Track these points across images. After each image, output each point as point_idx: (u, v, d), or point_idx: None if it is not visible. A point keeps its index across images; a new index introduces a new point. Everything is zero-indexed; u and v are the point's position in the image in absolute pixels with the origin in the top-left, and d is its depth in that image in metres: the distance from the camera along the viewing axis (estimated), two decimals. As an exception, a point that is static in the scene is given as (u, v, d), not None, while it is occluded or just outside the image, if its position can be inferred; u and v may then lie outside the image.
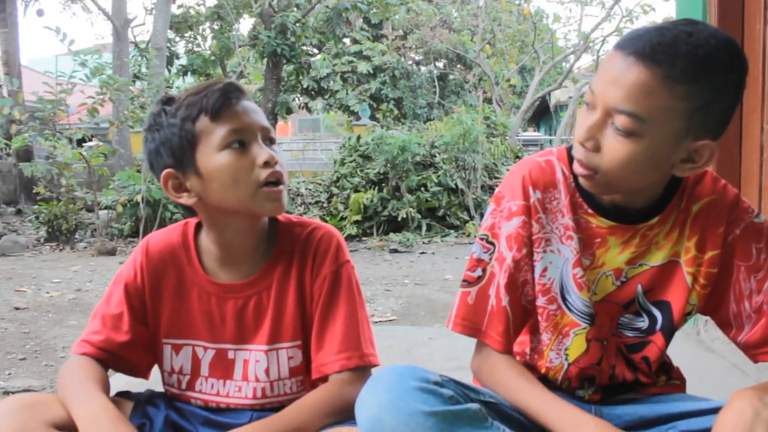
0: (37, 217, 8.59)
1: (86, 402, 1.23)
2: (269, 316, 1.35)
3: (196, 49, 15.21)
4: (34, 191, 9.01)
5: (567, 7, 40.98)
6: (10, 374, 2.98)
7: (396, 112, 21.57)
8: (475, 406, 1.09)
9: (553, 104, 20.81)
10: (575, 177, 1.24)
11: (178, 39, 15.11)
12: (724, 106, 1.09)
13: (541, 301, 1.27)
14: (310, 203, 9.50)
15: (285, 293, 1.35)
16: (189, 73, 15.06)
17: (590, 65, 17.51)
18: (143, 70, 14.06)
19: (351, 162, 9.73)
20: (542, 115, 25.00)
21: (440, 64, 22.82)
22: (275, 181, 1.27)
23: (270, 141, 1.30)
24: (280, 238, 1.38)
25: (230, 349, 1.37)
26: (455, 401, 1.08)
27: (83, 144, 9.07)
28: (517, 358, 1.34)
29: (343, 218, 8.96)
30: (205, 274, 1.37)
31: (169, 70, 14.41)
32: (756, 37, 2.43)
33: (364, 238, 8.68)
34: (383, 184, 9.18)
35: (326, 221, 8.82)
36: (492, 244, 1.29)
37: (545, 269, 1.26)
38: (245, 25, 38.22)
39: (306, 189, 9.79)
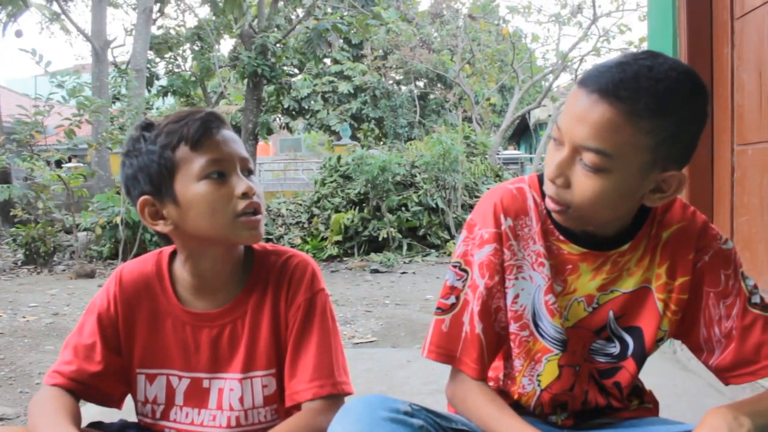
0: (14, 240, 8.50)
1: None
2: (243, 345, 1.35)
3: (176, 70, 15.18)
4: (11, 213, 8.92)
5: (545, 27, 41.48)
6: (-17, 402, 2.94)
7: (377, 131, 21.64)
8: None
9: (533, 122, 20.97)
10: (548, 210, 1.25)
11: (158, 60, 15.07)
12: (689, 136, 1.11)
13: (513, 327, 1.28)
14: (290, 224, 9.49)
15: (259, 321, 1.35)
16: (169, 93, 15.03)
17: (569, 84, 17.70)
18: (123, 91, 14.01)
19: (331, 182, 9.74)
20: (522, 133, 25.18)
21: (421, 84, 22.96)
22: (253, 211, 1.28)
23: (248, 171, 1.31)
24: (255, 267, 1.38)
25: (205, 378, 1.37)
26: (425, 431, 1.08)
27: (61, 165, 9.02)
28: (491, 383, 1.36)
29: (323, 239, 8.95)
30: (179, 304, 1.37)
31: (149, 91, 14.37)
32: (724, 61, 2.48)
33: (345, 259, 8.66)
34: (364, 204, 9.20)
35: (307, 242, 8.81)
36: (465, 271, 1.29)
37: (517, 296, 1.27)
38: (226, 45, 38.30)
39: (287, 209, 9.78)
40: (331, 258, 8.65)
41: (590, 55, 15.25)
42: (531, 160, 17.00)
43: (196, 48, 14.79)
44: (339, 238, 8.86)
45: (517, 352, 1.29)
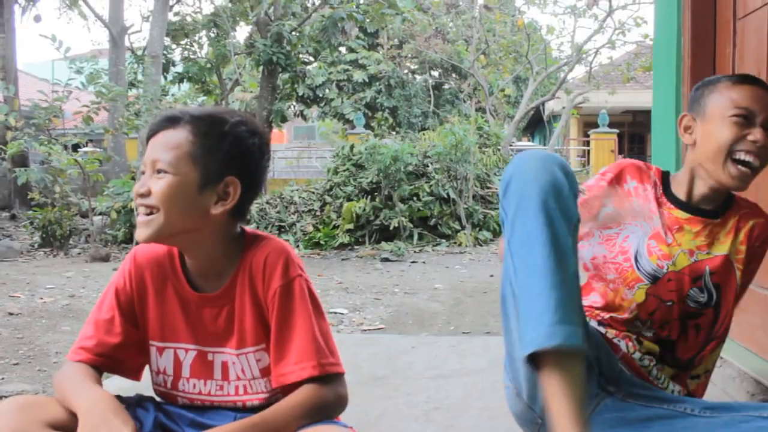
0: (31, 223, 8.65)
1: (85, 394, 1.34)
2: (236, 324, 1.46)
3: (192, 56, 15.25)
4: (28, 197, 9.07)
5: (560, 19, 41.26)
6: (3, 379, 3.05)
7: (391, 120, 21.66)
8: None
9: (547, 114, 20.95)
10: (664, 187, 1.67)
11: (174, 46, 15.16)
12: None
13: (618, 258, 1.62)
14: (303, 211, 9.58)
15: (244, 305, 1.45)
16: (185, 80, 15.13)
17: (583, 76, 17.65)
18: (139, 77, 14.12)
19: (344, 171, 9.82)
20: (537, 124, 25.13)
21: (435, 74, 22.95)
22: (147, 211, 1.38)
23: (158, 171, 1.38)
24: (242, 253, 1.47)
25: (209, 352, 1.47)
26: None
27: (78, 149, 9.14)
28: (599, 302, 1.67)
29: (335, 227, 9.04)
30: (187, 283, 1.47)
31: (165, 77, 14.48)
32: (726, 60, 2.53)
33: (356, 247, 8.76)
34: (376, 194, 9.27)
35: (319, 229, 8.92)
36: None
37: (627, 236, 1.63)
38: (242, 33, 38.36)
39: (299, 197, 9.87)
40: (342, 246, 8.74)
41: (605, 47, 15.22)
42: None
43: (212, 35, 14.85)
44: (351, 226, 8.95)
45: (614, 278, 1.62)
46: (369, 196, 9.26)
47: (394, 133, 17.16)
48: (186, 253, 1.48)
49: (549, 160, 1.33)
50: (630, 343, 1.59)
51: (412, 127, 20.00)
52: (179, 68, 15.32)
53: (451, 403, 2.21)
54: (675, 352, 1.60)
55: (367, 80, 21.13)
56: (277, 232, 9.08)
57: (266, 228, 9.10)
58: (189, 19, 15.10)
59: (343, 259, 7.92)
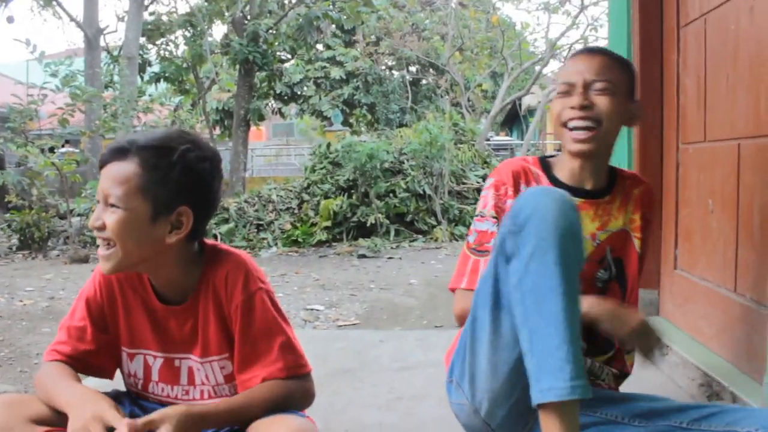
0: (9, 226, 8.66)
1: (70, 390, 1.44)
2: (200, 335, 1.54)
3: (168, 56, 15.23)
4: (5, 199, 9.07)
5: (534, 15, 41.50)
6: (-15, 380, 3.14)
7: (369, 117, 21.75)
8: None
9: (524, 109, 21.12)
10: (547, 173, 1.72)
11: (150, 46, 15.12)
12: None
13: None
14: (281, 209, 9.66)
15: (208, 317, 1.53)
16: (162, 80, 15.11)
17: (558, 71, 17.86)
18: (116, 78, 14.09)
19: (321, 169, 9.91)
20: (514, 119, 25.33)
21: (413, 70, 23.05)
22: (104, 243, 1.44)
23: (111, 205, 1.42)
24: (204, 268, 1.54)
25: (176, 358, 1.57)
26: None
27: (54, 151, 9.16)
28: None
29: (313, 224, 9.14)
30: (153, 295, 1.56)
31: (142, 78, 14.46)
32: (672, 66, 2.68)
33: (334, 244, 8.86)
34: (352, 191, 9.37)
35: (297, 227, 9.00)
36: (496, 218, 1.67)
37: None
38: (218, 31, 38.10)
39: (277, 195, 9.94)
40: (320, 243, 8.84)
41: (578, 43, 15.42)
42: (521, 145, 17.18)
43: (188, 34, 14.84)
44: (328, 223, 9.04)
45: None
46: (346, 194, 9.36)
47: (372, 129, 17.25)
48: (149, 275, 1.54)
49: (566, 203, 1.35)
50: None
51: (390, 123, 20.10)
52: (156, 68, 15.29)
53: (413, 393, 2.34)
54: (598, 337, 1.64)
55: (344, 77, 21.19)
56: (256, 230, 9.17)
57: (245, 226, 9.18)
58: (165, 18, 15.07)
59: (320, 257, 8.03)
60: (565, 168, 1.70)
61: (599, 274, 1.68)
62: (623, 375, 1.72)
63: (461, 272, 1.67)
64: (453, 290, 1.69)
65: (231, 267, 1.52)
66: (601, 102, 1.60)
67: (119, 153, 1.42)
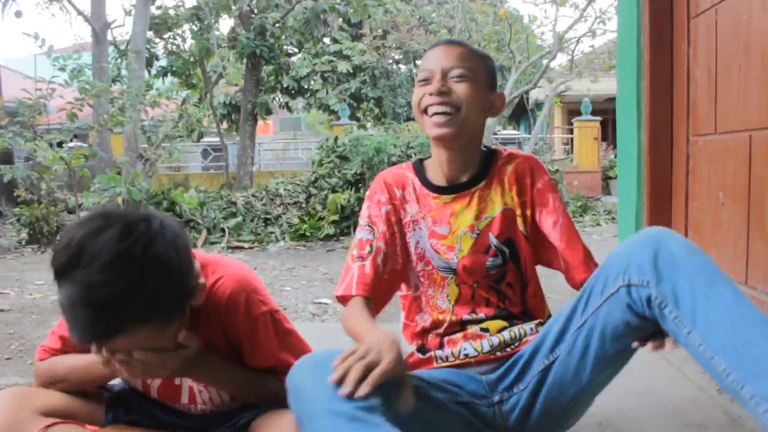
0: (18, 220, 8.70)
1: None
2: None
3: (175, 50, 15.25)
4: (14, 194, 9.11)
5: (542, 8, 41.33)
6: (-4, 373, 3.16)
7: (376, 111, 21.72)
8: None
9: (532, 103, 21.06)
10: (419, 176, 1.74)
11: (157, 40, 15.14)
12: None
13: (419, 266, 1.71)
14: (288, 203, 9.67)
15: (216, 343, 1.52)
16: (169, 74, 15.14)
17: (566, 65, 17.77)
18: (123, 72, 14.12)
19: (328, 163, 9.91)
20: (521, 113, 25.25)
21: (420, 63, 22.99)
22: None
23: None
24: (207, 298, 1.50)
25: (177, 377, 1.55)
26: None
27: (63, 145, 9.19)
28: (417, 330, 1.73)
29: (321, 218, 9.14)
30: None
31: (149, 72, 14.48)
32: (682, 57, 2.66)
33: (341, 238, 8.86)
34: (360, 185, 9.37)
35: (304, 221, 9.01)
36: (372, 227, 1.71)
37: (417, 242, 1.72)
38: (225, 25, 38.12)
39: (285, 189, 9.96)
40: (328, 237, 8.85)
41: (586, 36, 15.34)
42: (529, 139, 17.14)
43: (195, 28, 14.86)
44: (336, 217, 9.05)
45: (426, 283, 1.71)
46: (354, 188, 9.36)
47: (380, 123, 17.23)
48: None
49: (319, 367, 1.27)
50: (476, 342, 1.64)
51: (397, 117, 20.07)
52: (163, 62, 15.32)
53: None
54: (513, 315, 1.68)
55: (351, 71, 21.15)
56: (264, 224, 9.18)
57: (252, 220, 9.19)
58: (172, 12, 15.09)
59: (328, 251, 8.04)
60: (436, 166, 1.74)
61: (489, 262, 1.68)
62: (538, 321, 1.70)
63: (342, 280, 1.68)
64: (339, 298, 1.69)
65: (230, 294, 1.48)
66: (459, 88, 1.64)
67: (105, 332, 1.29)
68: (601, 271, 1.44)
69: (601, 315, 1.42)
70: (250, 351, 1.52)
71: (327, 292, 5.28)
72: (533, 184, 1.71)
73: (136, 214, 1.30)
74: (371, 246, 1.67)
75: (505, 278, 1.69)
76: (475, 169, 1.72)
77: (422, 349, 1.69)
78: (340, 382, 1.23)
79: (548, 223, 1.68)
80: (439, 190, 1.72)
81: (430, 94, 1.64)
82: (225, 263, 1.54)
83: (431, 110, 1.64)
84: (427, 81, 1.66)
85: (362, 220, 1.74)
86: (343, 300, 1.66)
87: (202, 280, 1.42)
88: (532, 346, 1.60)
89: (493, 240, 1.68)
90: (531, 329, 1.66)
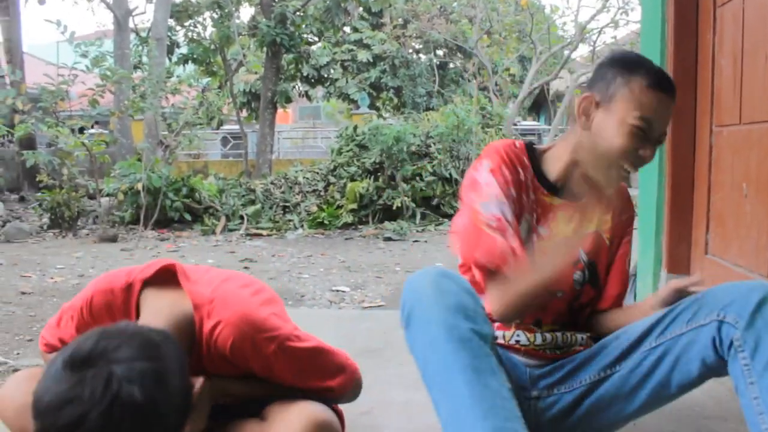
0: (40, 205, 8.80)
1: None
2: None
3: (196, 38, 15.30)
4: (37, 179, 9.20)
5: (565, -2, 40.95)
6: (18, 354, 3.21)
7: (395, 100, 21.67)
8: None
9: (552, 94, 20.90)
10: (533, 164, 1.61)
11: (178, 28, 15.21)
12: None
13: None
14: (307, 191, 9.70)
15: (226, 371, 1.50)
16: (189, 61, 15.20)
17: (587, 56, 17.62)
18: (144, 59, 14.19)
19: (348, 151, 9.92)
20: (542, 104, 25.08)
21: (440, 53, 22.89)
22: None
23: None
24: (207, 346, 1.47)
25: None
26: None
27: (84, 131, 9.26)
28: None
29: (339, 207, 9.17)
30: None
31: (170, 59, 14.55)
32: (707, 46, 2.62)
33: (359, 227, 8.89)
34: (379, 174, 9.38)
35: (323, 209, 9.03)
36: (504, 203, 1.53)
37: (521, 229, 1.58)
38: (245, 13, 38.20)
39: (304, 178, 9.98)
40: (346, 226, 8.87)
41: (609, 27, 15.20)
42: (549, 131, 17.02)
43: (216, 16, 14.91)
44: (354, 206, 9.07)
45: None
46: (372, 177, 9.37)
47: (399, 113, 17.19)
48: None
49: (446, 280, 1.31)
50: (530, 334, 1.63)
51: (416, 107, 20.00)
52: (184, 50, 15.39)
53: (440, 374, 2.34)
54: (565, 326, 1.66)
55: (371, 60, 21.10)
56: (282, 212, 9.22)
57: (271, 208, 9.23)
58: (193, 0, 15.14)
59: (346, 239, 8.05)
60: (558, 166, 1.62)
61: (576, 276, 1.64)
62: (596, 337, 1.69)
63: (488, 244, 1.49)
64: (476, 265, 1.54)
65: (234, 339, 1.44)
66: (654, 151, 1.54)
67: None
68: (693, 302, 1.42)
69: (681, 343, 1.42)
70: (267, 377, 1.53)
71: (344, 280, 5.30)
72: (623, 213, 1.71)
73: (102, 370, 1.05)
74: (508, 221, 1.51)
75: (580, 298, 1.66)
76: (583, 183, 1.63)
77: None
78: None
79: (619, 253, 1.71)
80: (551, 188, 1.62)
81: (643, 157, 1.51)
82: (220, 300, 1.46)
83: (626, 166, 1.52)
84: (644, 134, 1.49)
85: (491, 196, 1.52)
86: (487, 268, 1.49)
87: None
88: (585, 355, 1.60)
89: (583, 256, 1.65)
90: (582, 339, 1.67)
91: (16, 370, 2.82)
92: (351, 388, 1.63)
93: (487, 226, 1.49)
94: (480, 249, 1.49)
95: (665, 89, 1.50)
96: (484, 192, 1.53)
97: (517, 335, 1.62)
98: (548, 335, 1.63)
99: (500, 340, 1.63)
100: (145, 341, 1.10)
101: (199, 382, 1.24)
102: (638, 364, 1.48)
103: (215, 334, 1.42)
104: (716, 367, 1.37)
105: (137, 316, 1.49)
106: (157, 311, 1.43)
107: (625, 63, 1.54)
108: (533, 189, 1.60)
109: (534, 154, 1.63)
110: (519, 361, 1.62)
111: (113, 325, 1.14)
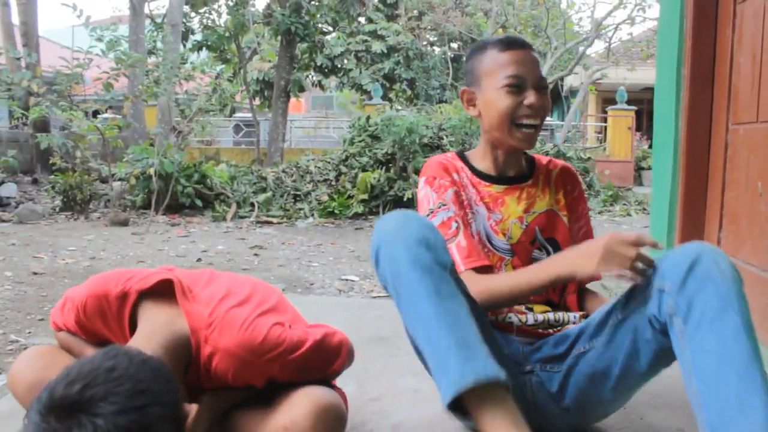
0: (53, 187, 8.84)
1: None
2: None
3: (211, 25, 15.31)
4: (50, 162, 9.24)
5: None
6: (30, 333, 3.23)
7: (409, 92, 21.65)
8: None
9: (566, 90, 20.83)
10: (468, 165, 1.79)
11: (193, 14, 15.21)
12: None
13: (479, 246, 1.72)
14: (318, 181, 9.69)
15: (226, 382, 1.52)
16: (204, 48, 15.21)
17: (602, 52, 17.54)
18: (158, 45, 14.21)
19: (360, 142, 9.90)
20: (555, 99, 25.01)
21: (455, 46, 22.84)
22: None
23: None
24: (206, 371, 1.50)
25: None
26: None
27: (98, 115, 9.30)
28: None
29: (350, 197, 9.16)
30: None
31: (184, 46, 14.56)
32: (725, 43, 2.61)
33: (370, 217, 8.88)
34: (390, 165, 9.36)
35: (334, 199, 9.03)
36: (446, 206, 1.70)
37: (475, 223, 1.73)
38: (261, 1, 38.12)
39: (315, 167, 9.99)
40: (356, 216, 8.87)
41: (625, 23, 15.12)
42: (562, 126, 16.96)
43: (231, 3, 14.90)
44: (365, 196, 9.06)
45: None
46: (384, 167, 9.35)
47: (412, 104, 17.16)
48: None
49: (408, 218, 1.41)
50: (522, 315, 1.69)
51: (429, 100, 19.98)
52: (198, 36, 15.39)
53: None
54: (554, 305, 1.74)
55: (385, 51, 21.08)
56: (293, 200, 9.23)
57: (282, 196, 9.25)
58: (208, -14, 15.13)
59: (356, 229, 8.05)
60: (486, 159, 1.79)
61: (534, 254, 1.74)
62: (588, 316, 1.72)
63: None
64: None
65: (235, 370, 1.46)
66: (545, 101, 1.68)
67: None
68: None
69: (637, 316, 1.44)
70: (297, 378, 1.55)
71: (354, 269, 5.30)
72: (572, 191, 1.84)
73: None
74: (456, 222, 1.67)
75: None
76: (521, 167, 1.80)
77: None
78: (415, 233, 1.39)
79: (575, 228, 1.82)
80: (490, 179, 1.77)
81: (528, 106, 1.66)
82: (218, 325, 1.45)
83: (526, 122, 1.67)
84: (519, 89, 1.66)
85: (431, 203, 1.71)
86: None
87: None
88: (572, 331, 1.62)
89: (539, 235, 1.75)
90: (575, 317, 1.71)
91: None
92: (348, 361, 1.65)
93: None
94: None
95: (515, 45, 1.69)
96: (425, 206, 1.72)
97: (509, 317, 1.68)
98: (540, 316, 1.69)
99: (494, 321, 1.68)
100: (134, 387, 1.06)
101: (193, 411, 1.19)
102: (609, 338, 1.50)
103: (214, 362, 1.44)
104: (667, 339, 1.37)
105: (130, 326, 1.50)
106: (152, 332, 1.42)
107: (474, 49, 1.77)
108: (473, 184, 1.76)
109: (465, 158, 1.81)
110: (513, 338, 1.68)
111: (108, 356, 1.11)
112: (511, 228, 1.72)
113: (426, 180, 1.76)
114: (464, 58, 1.81)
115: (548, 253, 1.73)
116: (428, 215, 1.69)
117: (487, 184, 1.77)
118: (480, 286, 1.56)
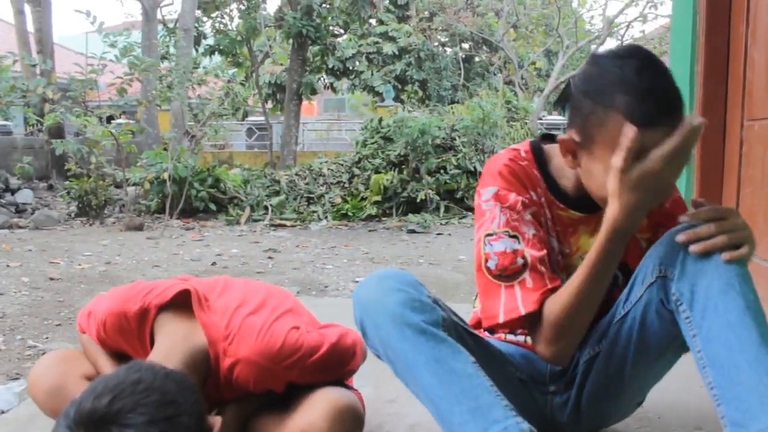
0: (68, 193, 8.91)
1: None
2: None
3: (222, 29, 15.39)
4: (65, 167, 9.31)
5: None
6: (47, 338, 3.25)
7: (420, 93, 21.63)
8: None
9: (578, 88, 20.69)
10: (545, 179, 1.47)
11: (205, 19, 15.29)
12: None
13: None
14: (331, 183, 9.72)
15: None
16: (216, 52, 15.29)
17: (615, 49, 17.45)
18: (171, 50, 14.29)
19: (372, 143, 9.91)
20: (568, 99, 24.91)
21: (466, 47, 22.80)
22: None
23: None
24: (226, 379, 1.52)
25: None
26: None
27: (111, 121, 9.35)
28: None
29: (363, 198, 9.18)
30: None
31: (197, 50, 14.64)
32: (739, 38, 2.59)
33: (383, 219, 8.89)
34: (403, 166, 9.37)
35: (347, 201, 9.05)
36: (515, 237, 1.40)
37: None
38: (272, 4, 38.26)
39: (328, 169, 10.01)
40: (369, 217, 8.87)
41: (637, 21, 15.05)
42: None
43: (242, 7, 14.97)
44: (378, 198, 9.07)
45: None
46: (397, 169, 9.36)
47: (424, 106, 17.16)
48: None
49: (385, 281, 1.32)
50: None
51: (441, 101, 19.95)
52: (210, 41, 15.47)
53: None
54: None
55: (397, 53, 21.07)
56: (306, 203, 9.25)
57: (295, 199, 9.27)
58: (219, -9, 15.19)
59: (370, 231, 8.06)
60: (567, 174, 1.46)
61: None
62: None
63: (494, 305, 1.39)
64: (491, 327, 1.53)
65: (255, 380, 1.49)
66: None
67: None
68: (645, 260, 1.36)
69: (641, 306, 1.36)
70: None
71: (368, 271, 5.31)
72: (662, 208, 1.49)
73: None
74: (523, 258, 1.38)
75: (608, 303, 1.49)
76: None
77: (490, 329, 1.63)
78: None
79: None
80: (567, 202, 1.47)
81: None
82: (235, 336, 1.47)
83: None
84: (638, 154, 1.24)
85: (494, 225, 1.41)
86: (506, 325, 1.42)
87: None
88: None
89: None
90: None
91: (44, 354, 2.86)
92: (363, 359, 1.65)
93: (495, 277, 1.40)
94: (493, 312, 1.40)
95: (652, 120, 1.22)
96: (488, 225, 1.42)
97: None
98: None
99: (519, 340, 1.61)
100: (162, 398, 1.07)
101: (217, 423, 1.19)
102: (616, 336, 1.43)
103: (235, 372, 1.46)
104: (676, 324, 1.31)
105: (151, 339, 1.52)
106: (170, 348, 1.44)
107: (598, 88, 1.29)
108: (548, 206, 1.47)
109: (543, 163, 1.48)
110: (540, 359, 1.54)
111: (132, 369, 1.11)
112: (577, 266, 1.38)
113: (497, 194, 1.42)
114: (571, 82, 1.41)
115: (616, 281, 1.48)
116: (487, 236, 1.41)
117: (563, 207, 1.48)
118: (546, 322, 1.36)
